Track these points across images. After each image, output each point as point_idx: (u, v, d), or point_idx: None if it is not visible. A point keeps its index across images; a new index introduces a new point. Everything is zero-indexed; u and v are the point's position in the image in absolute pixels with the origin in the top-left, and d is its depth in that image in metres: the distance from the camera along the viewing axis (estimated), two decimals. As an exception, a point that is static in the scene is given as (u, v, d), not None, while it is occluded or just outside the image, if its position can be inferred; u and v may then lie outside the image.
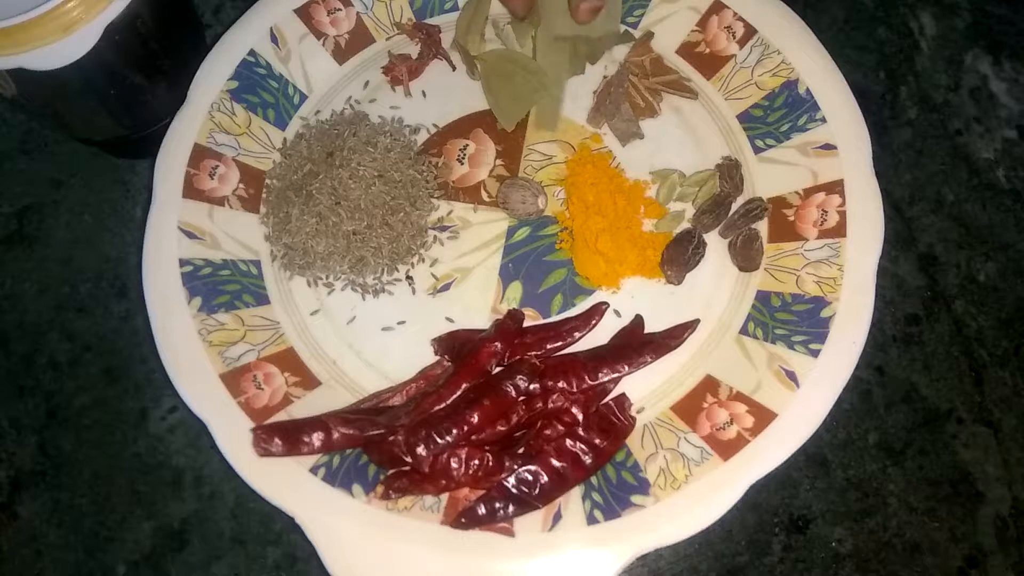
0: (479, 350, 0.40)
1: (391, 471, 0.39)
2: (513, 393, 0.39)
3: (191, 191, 0.44)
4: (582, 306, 0.44)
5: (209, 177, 0.45)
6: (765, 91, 0.46)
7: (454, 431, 0.38)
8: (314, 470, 0.39)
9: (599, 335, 0.42)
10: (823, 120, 0.45)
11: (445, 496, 0.39)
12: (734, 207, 0.45)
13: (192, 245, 0.43)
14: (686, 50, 0.48)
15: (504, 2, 0.47)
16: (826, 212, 0.43)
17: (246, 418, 0.39)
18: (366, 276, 0.44)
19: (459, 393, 0.39)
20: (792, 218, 0.44)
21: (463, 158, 0.47)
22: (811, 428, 0.39)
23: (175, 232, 0.43)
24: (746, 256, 0.43)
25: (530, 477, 0.38)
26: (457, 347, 0.41)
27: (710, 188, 0.45)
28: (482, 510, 0.37)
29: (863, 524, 0.44)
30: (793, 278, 0.42)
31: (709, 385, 0.41)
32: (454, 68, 0.49)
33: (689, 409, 0.41)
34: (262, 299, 0.44)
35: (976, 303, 0.48)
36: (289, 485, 0.38)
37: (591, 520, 0.38)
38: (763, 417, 0.39)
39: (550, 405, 0.39)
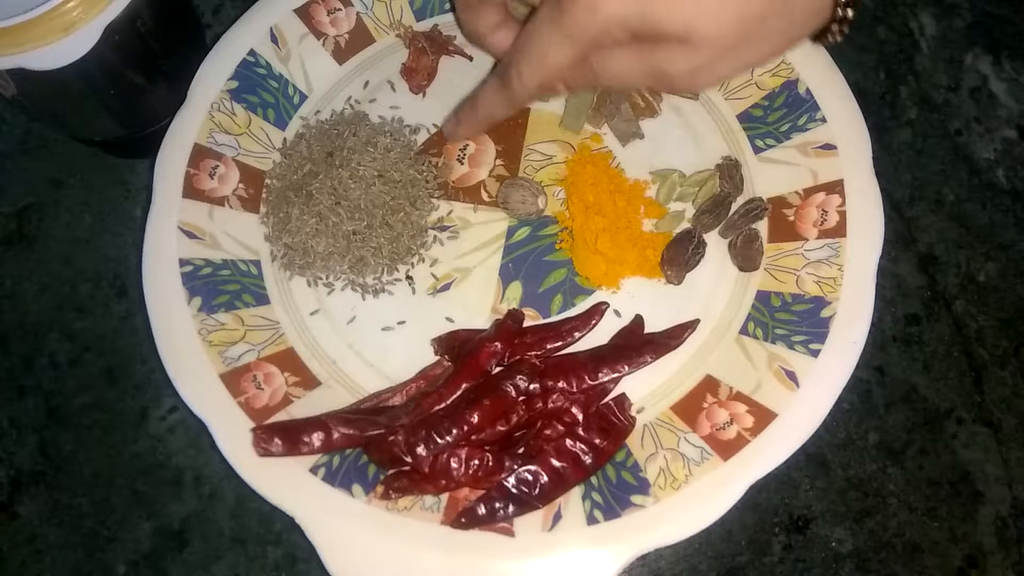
0: (479, 350, 0.40)
1: (391, 471, 0.39)
2: (513, 393, 0.39)
3: (191, 191, 0.44)
4: (582, 306, 0.44)
5: (209, 177, 0.45)
6: (765, 91, 0.46)
7: (454, 431, 0.38)
8: (314, 470, 0.39)
9: (599, 335, 0.42)
10: (823, 120, 0.45)
11: (445, 496, 0.39)
12: (734, 207, 0.45)
13: (192, 245, 0.43)
14: (686, 50, 0.48)
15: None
16: (826, 212, 0.43)
17: (246, 418, 0.39)
18: (366, 276, 0.44)
19: (459, 393, 0.39)
20: (792, 218, 0.44)
21: (463, 158, 0.47)
22: (811, 428, 0.39)
23: (175, 232, 0.43)
24: (746, 256, 0.43)
25: (530, 477, 0.38)
26: (457, 347, 0.41)
27: (710, 188, 0.45)
28: (482, 510, 0.37)
29: (863, 524, 0.44)
30: (793, 278, 0.42)
31: (709, 385, 0.41)
32: (471, 59, 0.49)
33: (689, 409, 0.41)
34: (262, 299, 0.44)
35: (976, 303, 0.48)
36: (289, 485, 0.38)
37: (591, 520, 0.38)
38: (763, 417, 0.39)
39: (550, 405, 0.39)
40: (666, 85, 0.35)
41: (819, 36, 0.35)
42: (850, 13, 0.33)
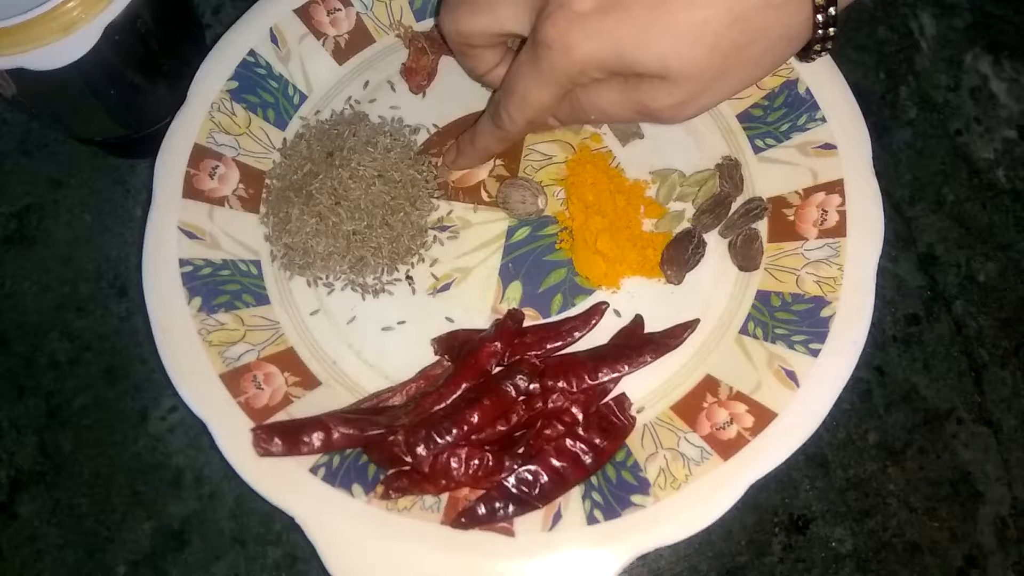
0: (479, 350, 0.40)
1: (391, 471, 0.39)
2: (513, 393, 0.39)
3: (191, 191, 0.44)
4: (582, 306, 0.44)
5: (209, 177, 0.45)
6: (765, 91, 0.46)
7: (454, 431, 0.38)
8: (314, 470, 0.39)
9: (599, 335, 0.42)
10: (823, 120, 0.45)
11: (445, 496, 0.39)
12: (734, 207, 0.45)
13: (192, 245, 0.43)
14: (686, 50, 0.48)
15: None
16: (826, 212, 0.43)
17: (246, 418, 0.39)
18: (366, 276, 0.44)
19: (459, 393, 0.39)
20: (792, 218, 0.44)
21: (463, 158, 0.47)
22: (811, 428, 0.39)
23: (175, 232, 0.43)
24: (746, 256, 0.43)
25: (530, 477, 0.38)
26: (457, 347, 0.41)
27: (710, 188, 0.45)
28: (482, 510, 0.37)
29: (863, 524, 0.44)
30: (793, 278, 0.42)
31: (709, 385, 0.41)
32: None
33: (689, 409, 0.41)
34: (262, 299, 0.44)
35: (976, 303, 0.48)
36: (289, 485, 0.38)
37: (591, 520, 0.38)
38: (763, 417, 0.39)
39: (550, 405, 0.39)
40: (652, 119, 0.36)
41: (803, 54, 0.35)
42: (831, 31, 0.33)
